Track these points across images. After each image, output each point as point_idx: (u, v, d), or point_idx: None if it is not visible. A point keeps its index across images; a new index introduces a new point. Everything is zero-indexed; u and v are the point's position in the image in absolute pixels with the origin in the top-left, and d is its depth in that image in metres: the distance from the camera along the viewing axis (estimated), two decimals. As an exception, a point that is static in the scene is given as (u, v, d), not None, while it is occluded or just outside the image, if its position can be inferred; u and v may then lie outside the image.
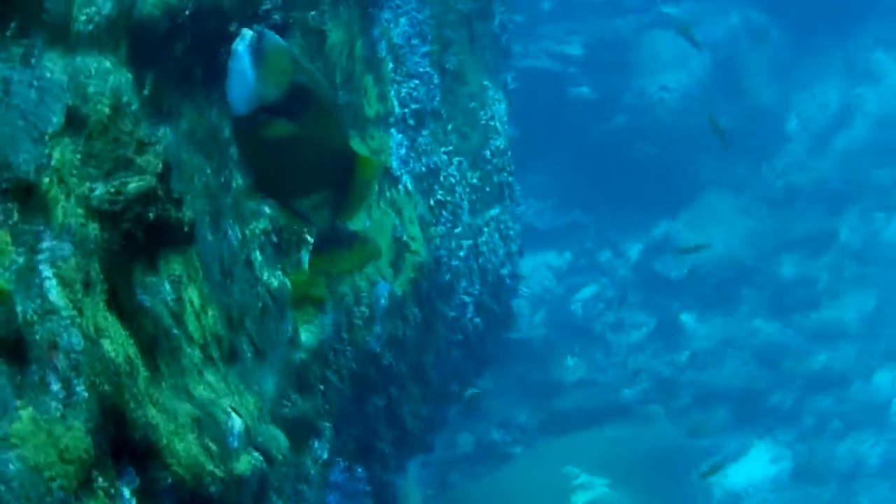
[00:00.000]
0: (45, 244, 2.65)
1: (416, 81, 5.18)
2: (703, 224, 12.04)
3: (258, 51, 3.23)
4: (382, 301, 4.61)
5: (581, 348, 11.29)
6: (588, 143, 12.19)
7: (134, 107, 3.07)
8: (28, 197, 2.62)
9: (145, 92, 3.30)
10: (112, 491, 2.41)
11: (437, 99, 5.37)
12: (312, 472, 3.92)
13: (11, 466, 2.09)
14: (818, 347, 11.12)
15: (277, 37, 3.32)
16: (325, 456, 4.00)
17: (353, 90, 4.60)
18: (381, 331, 4.64)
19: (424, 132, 5.27)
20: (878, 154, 12.27)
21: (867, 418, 10.55)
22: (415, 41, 5.13)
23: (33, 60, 2.84)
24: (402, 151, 5.01)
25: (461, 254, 5.58)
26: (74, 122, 2.84)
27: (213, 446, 2.92)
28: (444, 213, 5.38)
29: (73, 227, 2.73)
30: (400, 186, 5.00)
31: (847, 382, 10.82)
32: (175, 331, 3.11)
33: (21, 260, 2.53)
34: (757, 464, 10.59)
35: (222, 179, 3.59)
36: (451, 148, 5.48)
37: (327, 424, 4.04)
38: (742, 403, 10.73)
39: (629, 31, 12.52)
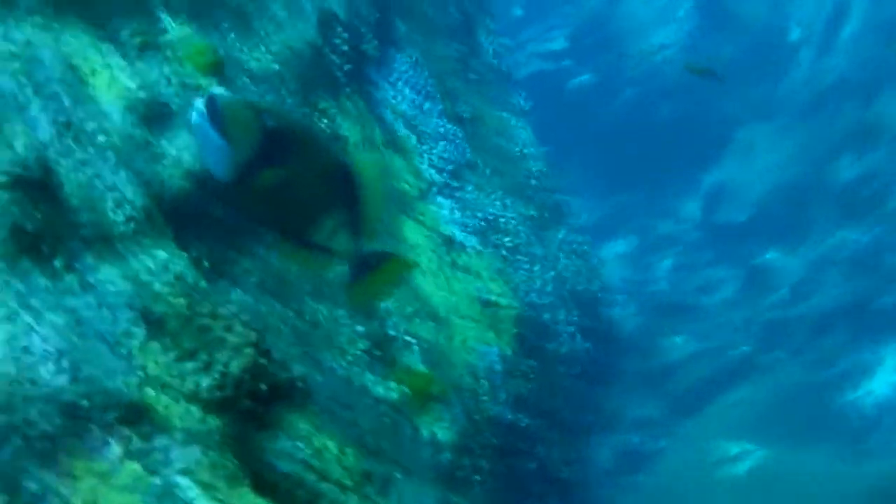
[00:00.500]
0: (174, 454, 2.55)
1: (443, 142, 5.07)
2: (748, 160, 11.85)
3: (215, 115, 3.00)
4: (497, 367, 4.48)
5: (681, 323, 11.10)
6: (606, 126, 12.07)
7: (202, 285, 2.98)
8: (139, 417, 2.53)
9: (206, 264, 3.21)
10: None
11: (467, 151, 5.26)
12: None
13: None
14: (906, 234, 10.86)
15: (228, 93, 3.13)
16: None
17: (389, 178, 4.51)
18: (507, 396, 4.51)
19: (468, 188, 5.16)
20: (886, 32, 12.02)
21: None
22: (426, 105, 5.03)
23: (91, 280, 2.75)
24: (457, 215, 4.90)
25: (548, 289, 5.44)
26: (154, 325, 2.75)
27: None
28: (517, 256, 5.25)
29: (194, 428, 2.63)
30: (468, 249, 4.89)
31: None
32: (323, 484, 3.01)
33: (158, 481, 2.45)
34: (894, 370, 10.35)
35: (307, 318, 3.49)
36: (497, 192, 5.36)
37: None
38: (858, 318, 10.47)
39: (603, 6, 12.42)
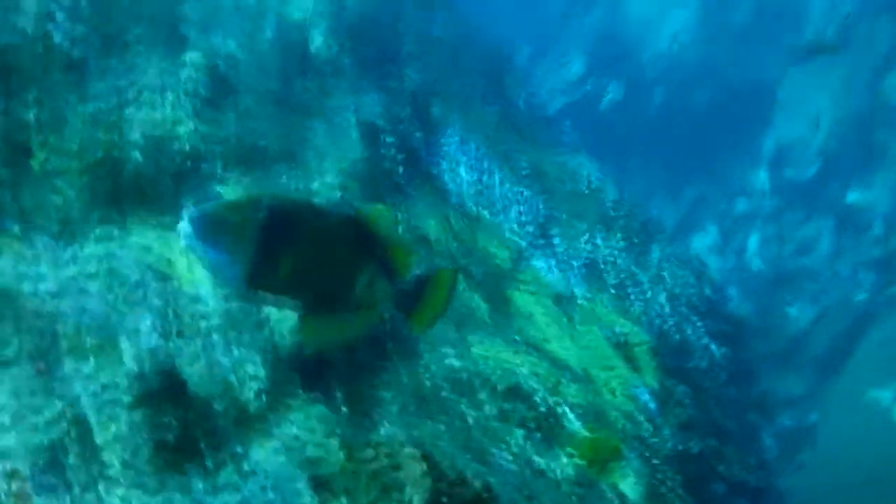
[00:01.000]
0: None
1: (515, 206, 4.98)
2: (799, 111, 11.68)
3: (204, 230, 2.77)
4: (651, 405, 4.33)
5: (791, 293, 10.86)
6: (650, 131, 11.95)
7: (349, 432, 2.89)
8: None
9: (344, 410, 3.13)
10: None
11: (541, 205, 5.15)
12: None
13: None
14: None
15: (208, 203, 2.87)
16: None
17: (479, 262, 4.42)
18: (670, 429, 4.35)
19: (556, 240, 5.05)
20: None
21: None
22: (486, 179, 4.94)
23: (246, 468, 2.67)
24: (556, 272, 4.79)
25: (667, 310, 5.29)
26: (324, 488, 2.66)
27: None
28: (627, 290, 5.12)
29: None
30: (580, 300, 4.77)
31: None
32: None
33: None
34: None
35: (458, 425, 3.38)
36: (584, 234, 5.24)
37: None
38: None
39: (603, 18, 12.36)
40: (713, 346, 5.45)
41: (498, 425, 3.55)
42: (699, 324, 5.50)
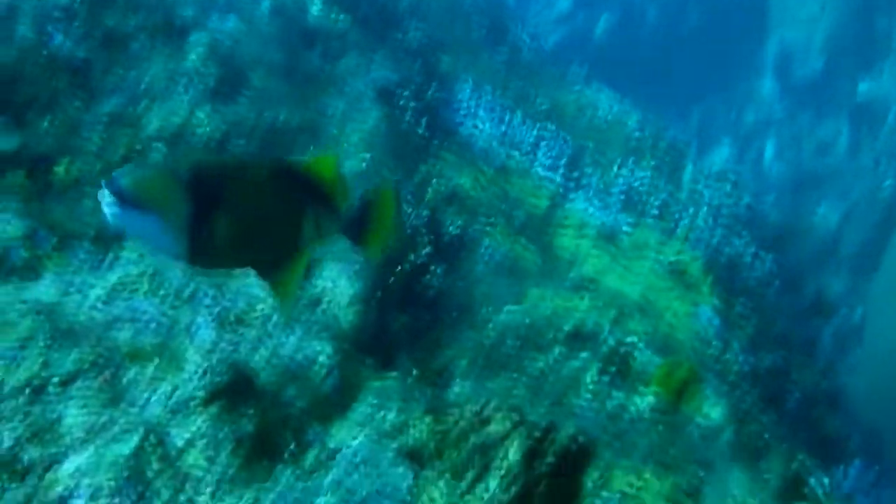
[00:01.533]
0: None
1: (543, 143, 4.85)
2: (795, 13, 11.55)
3: (127, 195, 2.43)
4: (715, 322, 4.22)
5: (818, 193, 10.77)
6: (650, 52, 11.84)
7: (431, 394, 2.80)
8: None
9: (415, 372, 3.03)
10: None
11: (568, 139, 5.03)
12: None
13: None
14: None
15: (125, 168, 2.58)
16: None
17: (517, 207, 4.33)
18: (738, 344, 4.25)
19: (588, 171, 4.93)
20: None
21: None
22: (507, 122, 4.82)
23: (332, 446, 2.58)
24: (596, 203, 4.68)
25: (711, 223, 5.17)
26: (413, 456, 2.56)
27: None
28: (670, 210, 4.98)
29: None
30: (625, 229, 4.66)
31: None
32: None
33: None
34: None
35: (529, 372, 3.29)
36: (615, 162, 5.12)
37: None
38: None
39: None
40: (761, 254, 5.33)
41: (569, 368, 3.45)
42: (745, 233, 5.39)
